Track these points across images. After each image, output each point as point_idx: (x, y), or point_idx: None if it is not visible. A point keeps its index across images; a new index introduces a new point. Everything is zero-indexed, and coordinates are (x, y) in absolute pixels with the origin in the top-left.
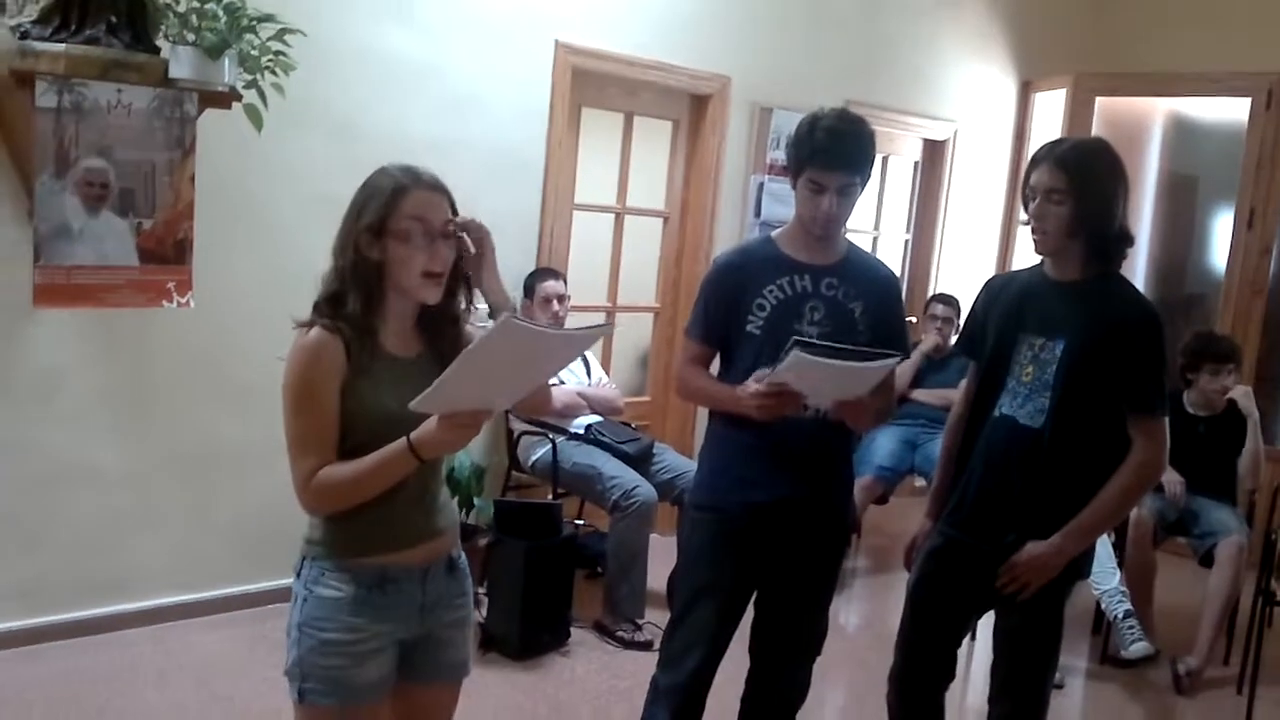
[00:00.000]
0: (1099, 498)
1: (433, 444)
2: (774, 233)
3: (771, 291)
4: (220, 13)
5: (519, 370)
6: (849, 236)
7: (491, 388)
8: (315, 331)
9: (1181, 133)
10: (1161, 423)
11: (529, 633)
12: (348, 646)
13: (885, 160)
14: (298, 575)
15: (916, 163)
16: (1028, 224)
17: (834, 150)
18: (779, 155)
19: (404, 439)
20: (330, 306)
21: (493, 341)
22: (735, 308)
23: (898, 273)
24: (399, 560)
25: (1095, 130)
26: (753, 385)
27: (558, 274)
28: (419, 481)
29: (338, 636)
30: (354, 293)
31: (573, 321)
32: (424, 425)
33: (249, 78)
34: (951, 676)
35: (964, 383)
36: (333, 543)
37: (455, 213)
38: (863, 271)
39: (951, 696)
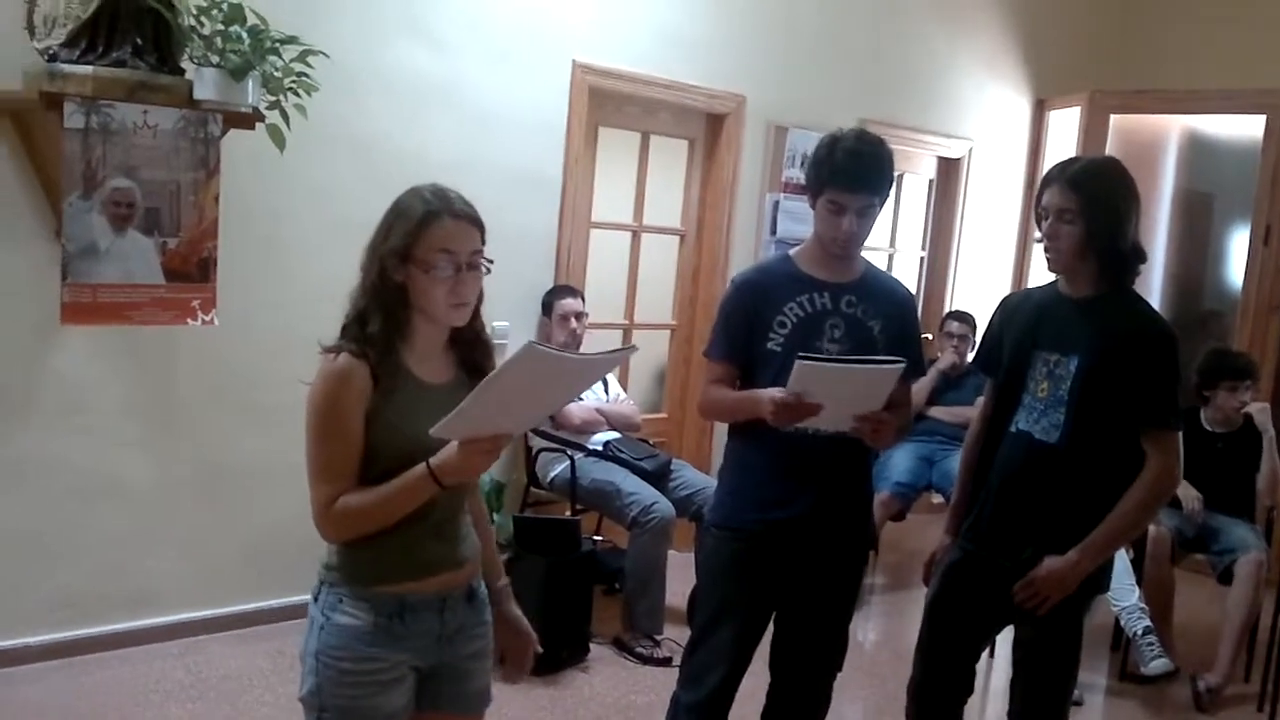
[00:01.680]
0: (1115, 512)
1: (453, 469)
2: (792, 250)
3: (792, 309)
4: (244, 35)
5: (540, 394)
6: (865, 254)
7: (512, 412)
8: (343, 358)
9: (1197, 150)
10: (1175, 436)
11: (548, 648)
12: (366, 676)
13: (900, 178)
14: (315, 600)
15: (932, 180)
16: (1040, 242)
17: (854, 171)
18: (794, 173)
19: (424, 464)
20: (357, 328)
21: (515, 368)
22: (756, 325)
23: (913, 290)
24: (418, 589)
25: (1110, 148)
26: (775, 391)
27: (576, 291)
28: (443, 510)
29: (355, 667)
30: (377, 313)
31: (591, 339)
32: (444, 450)
33: (272, 99)
34: (970, 691)
35: (981, 400)
36: (352, 570)
37: (484, 241)
38: (880, 290)
39: (971, 712)
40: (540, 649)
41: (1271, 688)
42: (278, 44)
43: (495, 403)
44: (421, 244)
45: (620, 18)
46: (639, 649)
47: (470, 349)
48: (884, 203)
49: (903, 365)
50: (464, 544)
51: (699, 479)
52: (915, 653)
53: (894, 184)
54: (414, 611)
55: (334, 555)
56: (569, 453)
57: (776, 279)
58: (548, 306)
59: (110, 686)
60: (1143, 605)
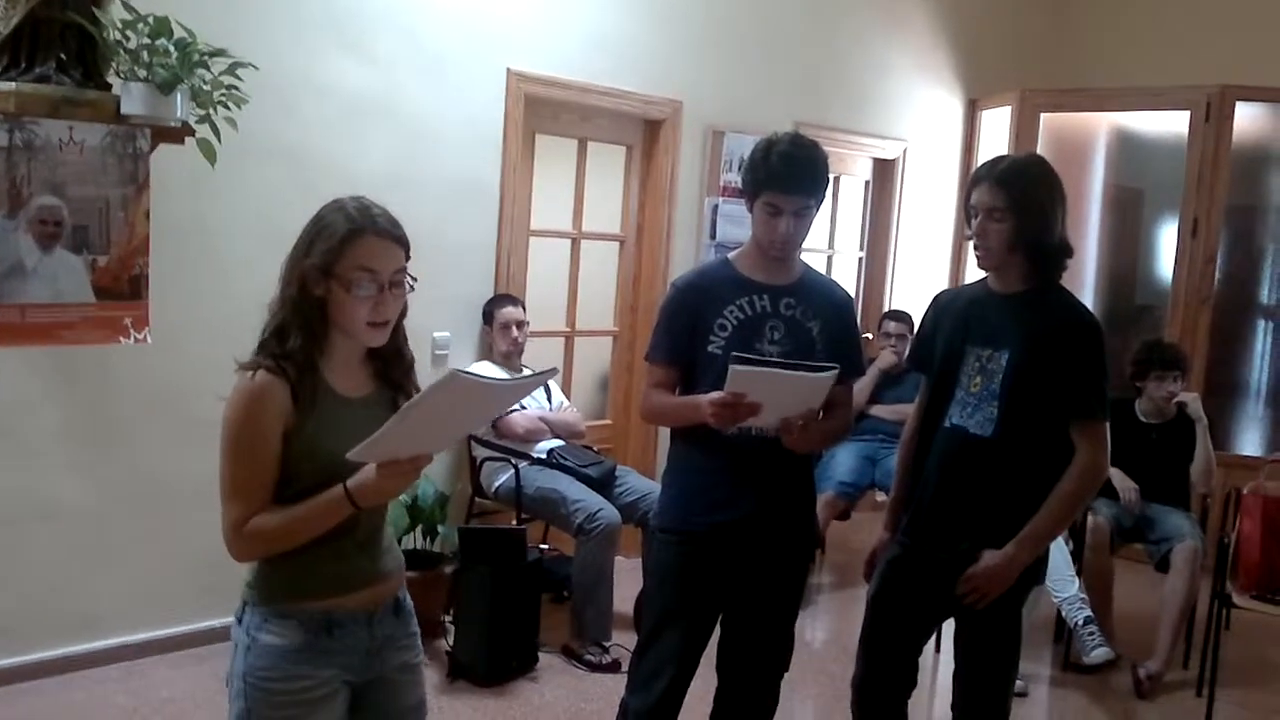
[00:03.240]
0: (1046, 504)
1: (371, 491)
2: (731, 254)
3: (732, 311)
4: (172, 48)
5: (460, 416)
6: (803, 256)
7: (431, 434)
8: (260, 375)
9: (1126, 146)
10: (1102, 427)
11: (496, 658)
12: (296, 695)
13: (837, 180)
14: (239, 621)
15: (868, 182)
16: (970, 240)
17: (789, 175)
18: (732, 177)
19: (340, 486)
20: (276, 343)
21: (437, 395)
22: (697, 328)
23: (852, 290)
24: (344, 604)
25: (1041, 146)
26: (714, 394)
27: (516, 300)
28: (366, 525)
29: (284, 686)
30: (296, 328)
31: (533, 347)
32: (362, 472)
33: (201, 112)
34: (913, 684)
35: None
36: (276, 587)
37: (409, 257)
38: (819, 291)
39: (919, 706)
40: None
41: (1209, 672)
42: (206, 57)
43: (415, 427)
44: (343, 261)
45: (555, 25)
46: (588, 656)
47: (389, 364)
48: (820, 205)
49: (836, 372)
50: (388, 556)
51: (644, 484)
52: (858, 648)
53: (829, 186)
54: (342, 626)
55: (256, 572)
56: (513, 462)
57: (716, 282)
58: (489, 315)
59: (49, 714)
60: (1083, 596)
